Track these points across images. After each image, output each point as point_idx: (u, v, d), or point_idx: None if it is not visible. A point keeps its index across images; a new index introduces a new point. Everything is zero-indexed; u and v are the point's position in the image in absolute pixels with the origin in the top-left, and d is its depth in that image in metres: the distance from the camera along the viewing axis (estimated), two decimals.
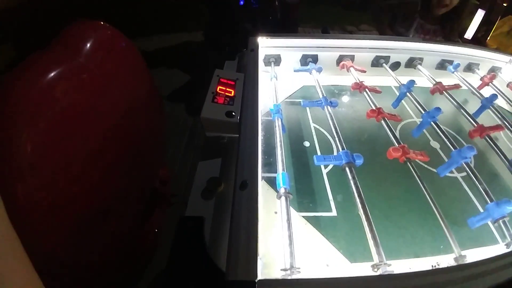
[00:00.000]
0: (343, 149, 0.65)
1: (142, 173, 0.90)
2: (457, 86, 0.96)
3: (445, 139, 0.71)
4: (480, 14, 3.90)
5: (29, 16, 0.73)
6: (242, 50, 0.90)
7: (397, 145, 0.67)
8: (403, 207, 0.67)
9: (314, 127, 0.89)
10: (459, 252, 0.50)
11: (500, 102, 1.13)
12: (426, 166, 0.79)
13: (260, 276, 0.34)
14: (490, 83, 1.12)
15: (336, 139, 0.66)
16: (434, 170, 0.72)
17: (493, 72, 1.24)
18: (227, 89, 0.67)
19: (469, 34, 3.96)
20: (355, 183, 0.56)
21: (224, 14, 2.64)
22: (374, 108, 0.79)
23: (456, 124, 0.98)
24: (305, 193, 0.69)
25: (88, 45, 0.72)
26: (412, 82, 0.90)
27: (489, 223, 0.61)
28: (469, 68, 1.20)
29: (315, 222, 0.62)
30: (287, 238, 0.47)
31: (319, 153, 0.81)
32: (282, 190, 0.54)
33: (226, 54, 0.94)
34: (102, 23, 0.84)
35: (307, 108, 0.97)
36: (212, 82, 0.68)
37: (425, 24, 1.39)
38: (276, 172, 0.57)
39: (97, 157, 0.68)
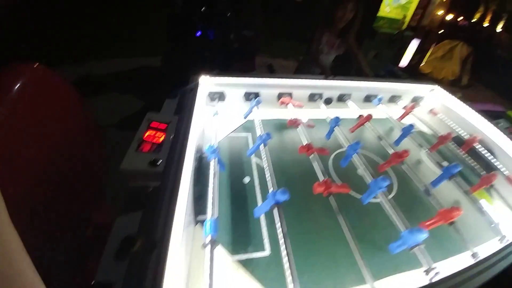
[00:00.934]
0: (273, 188, 0.68)
1: (73, 218, 0.82)
2: (368, 118, 1.09)
3: (364, 171, 0.79)
4: (415, 43, 4.61)
5: None
6: (184, 88, 0.93)
7: (321, 179, 0.73)
8: (330, 238, 0.71)
9: (256, 162, 0.93)
10: (372, 285, 0.54)
11: (422, 127, 1.31)
12: (354, 194, 0.87)
13: None
14: (410, 112, 1.30)
15: (269, 177, 0.69)
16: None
17: (416, 101, 1.45)
18: (157, 134, 0.67)
19: (403, 62, 4.63)
20: (281, 224, 0.59)
21: (181, 44, 2.71)
22: (304, 144, 0.85)
23: (381, 151, 1.10)
24: (240, 234, 0.69)
25: (17, 88, 0.68)
26: (337, 118, 1.01)
27: None
28: (392, 100, 1.38)
29: (249, 265, 0.63)
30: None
31: (257, 188, 0.83)
32: (208, 239, 0.54)
33: (169, 91, 0.95)
34: (34, 65, 0.80)
35: (249, 143, 1.01)
36: (141, 128, 0.68)
37: (330, 39, 1.61)
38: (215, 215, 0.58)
39: (22, 201, 0.62)
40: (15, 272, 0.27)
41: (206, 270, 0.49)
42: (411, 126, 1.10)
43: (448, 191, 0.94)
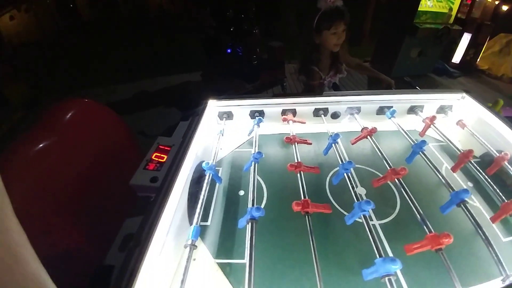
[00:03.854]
0: (254, 204, 0.77)
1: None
2: (372, 131, 1.06)
3: (352, 191, 0.80)
4: (466, 38, 3.99)
5: None
6: (194, 111, 1.09)
7: (301, 199, 0.78)
8: (299, 257, 0.76)
9: (251, 177, 1.03)
10: None
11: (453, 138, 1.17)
12: (341, 211, 0.88)
13: None
14: (431, 125, 1.20)
15: (250, 194, 0.79)
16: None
17: (443, 111, 1.32)
18: (162, 155, 0.85)
19: (456, 58, 4.03)
20: (251, 237, 0.68)
21: (216, 59, 3.01)
22: (294, 163, 0.91)
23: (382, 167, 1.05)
24: (226, 241, 0.81)
25: (65, 122, 0.95)
26: (337, 135, 1.02)
27: None
28: (412, 110, 1.29)
29: (227, 268, 0.74)
30: (180, 283, 0.59)
31: (250, 202, 0.93)
32: (188, 242, 0.67)
33: (183, 115, 1.14)
34: (83, 100, 1.09)
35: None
36: (151, 149, 0.87)
37: (327, 80, 1.48)
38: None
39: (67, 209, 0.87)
40: (20, 263, 0.28)
41: (182, 266, 0.62)
42: (423, 142, 1.03)
43: (463, 218, 0.85)
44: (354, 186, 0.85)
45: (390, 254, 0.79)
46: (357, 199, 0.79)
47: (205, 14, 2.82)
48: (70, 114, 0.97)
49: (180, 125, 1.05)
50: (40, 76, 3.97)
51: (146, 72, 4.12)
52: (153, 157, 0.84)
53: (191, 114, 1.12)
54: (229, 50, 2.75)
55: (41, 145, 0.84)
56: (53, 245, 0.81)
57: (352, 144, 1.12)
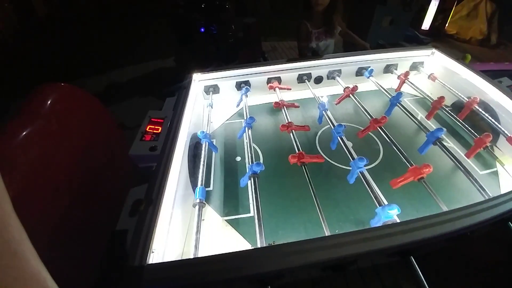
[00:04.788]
0: (252, 162, 0.81)
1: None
2: (353, 89, 1.13)
3: (346, 151, 0.85)
4: (434, 4, 4.15)
5: None
6: (179, 85, 1.08)
7: (296, 152, 0.83)
8: (300, 201, 0.83)
9: (247, 143, 1.06)
10: (327, 231, 0.65)
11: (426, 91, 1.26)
12: (341, 166, 0.95)
13: (149, 262, 0.50)
14: (406, 80, 1.29)
15: (247, 157, 0.82)
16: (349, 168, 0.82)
17: (415, 68, 1.41)
18: (155, 127, 0.85)
19: (425, 25, 4.21)
20: (255, 191, 0.72)
21: (189, 41, 2.88)
22: (285, 123, 0.95)
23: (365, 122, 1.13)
24: (231, 200, 0.85)
25: (49, 107, 0.91)
26: (323, 103, 1.06)
27: None
28: (388, 69, 1.37)
29: (235, 223, 0.78)
30: (194, 235, 0.63)
31: (247, 165, 0.97)
32: (197, 201, 0.70)
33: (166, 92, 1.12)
34: (62, 84, 1.03)
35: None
36: (144, 123, 0.86)
37: (315, 32, 1.54)
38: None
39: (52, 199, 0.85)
40: (19, 260, 0.27)
41: (194, 225, 0.65)
42: (399, 94, 1.11)
43: (442, 157, 0.91)
44: (345, 141, 0.90)
45: (382, 196, 0.86)
46: (350, 154, 0.83)
47: None
48: (50, 98, 0.93)
49: (167, 101, 1.04)
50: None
51: (113, 62, 3.88)
52: (147, 129, 0.84)
53: (176, 89, 1.10)
54: (202, 29, 2.63)
55: (26, 132, 0.81)
56: (53, 229, 0.80)
57: (336, 104, 1.19)
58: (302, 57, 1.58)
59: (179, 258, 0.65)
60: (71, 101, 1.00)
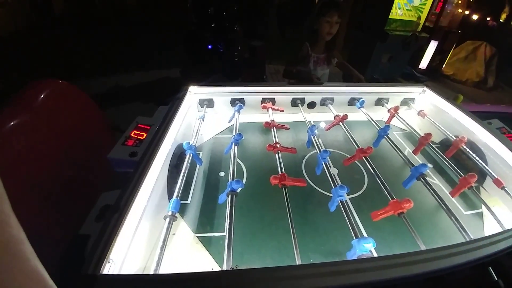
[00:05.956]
0: (233, 179, 0.80)
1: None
2: (343, 118, 1.15)
3: (329, 177, 0.84)
4: (433, 45, 4.38)
5: None
6: (174, 96, 1.10)
7: (279, 174, 0.82)
8: (277, 225, 0.80)
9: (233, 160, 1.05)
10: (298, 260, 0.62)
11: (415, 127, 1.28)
12: (324, 192, 0.94)
13: (103, 272, 0.47)
14: (395, 114, 1.32)
15: (230, 172, 0.81)
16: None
17: (406, 103, 1.45)
18: (141, 132, 0.85)
19: (423, 64, 4.41)
20: (231, 208, 0.70)
21: (196, 55, 3.00)
22: (272, 143, 0.95)
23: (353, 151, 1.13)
24: (206, 216, 0.82)
25: (40, 102, 0.92)
26: (313, 127, 1.07)
27: None
28: (379, 102, 1.41)
29: (207, 241, 0.75)
30: (159, 249, 0.59)
31: (230, 176, 0.95)
32: (168, 213, 0.68)
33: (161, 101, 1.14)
34: (59, 81, 1.04)
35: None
36: (130, 127, 0.86)
37: (314, 56, 1.61)
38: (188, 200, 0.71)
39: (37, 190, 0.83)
40: (18, 260, 0.27)
41: (161, 240, 0.62)
42: (387, 127, 1.13)
43: (426, 194, 0.92)
44: (329, 167, 0.89)
45: (361, 227, 0.83)
46: (332, 181, 0.82)
47: (186, 9, 2.82)
48: (44, 93, 0.93)
49: (160, 109, 1.05)
50: (9, 71, 3.67)
51: (122, 67, 3.99)
52: (132, 134, 0.83)
53: (171, 100, 1.12)
54: (210, 46, 2.75)
55: (13, 123, 0.80)
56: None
57: (326, 130, 1.20)
58: (287, 77, 1.62)
59: (140, 273, 0.61)
60: (64, 99, 1.01)
